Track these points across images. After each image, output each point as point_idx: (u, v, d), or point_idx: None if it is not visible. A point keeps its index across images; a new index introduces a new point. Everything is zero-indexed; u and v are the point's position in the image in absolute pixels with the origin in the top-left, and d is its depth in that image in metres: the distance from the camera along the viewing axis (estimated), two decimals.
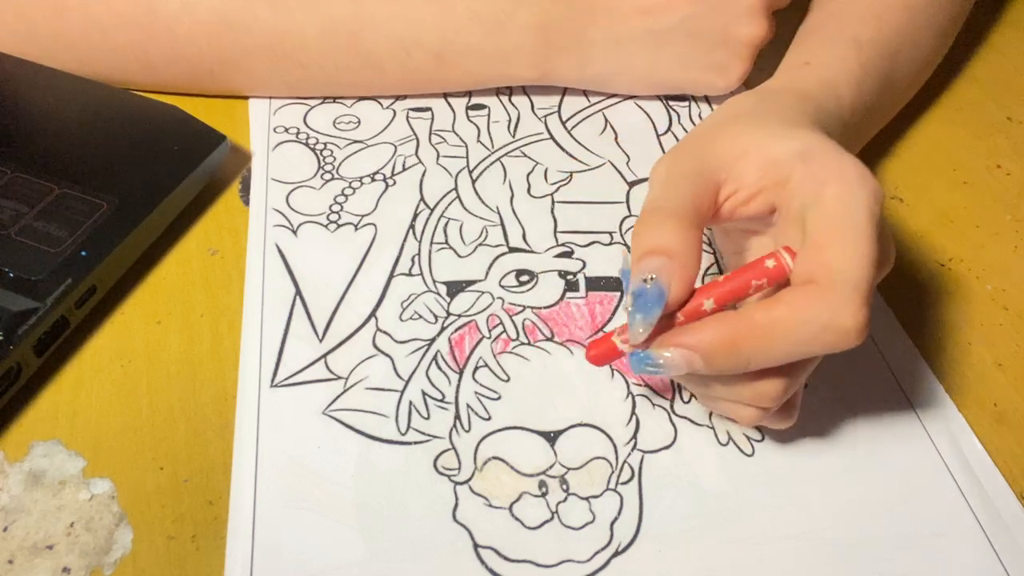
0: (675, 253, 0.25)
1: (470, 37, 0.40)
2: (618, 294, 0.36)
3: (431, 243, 0.37)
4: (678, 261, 0.25)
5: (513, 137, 0.43)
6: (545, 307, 0.35)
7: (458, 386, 0.32)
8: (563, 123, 0.44)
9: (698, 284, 0.26)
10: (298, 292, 0.35)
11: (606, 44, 0.41)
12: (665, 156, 0.28)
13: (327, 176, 0.40)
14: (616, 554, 0.28)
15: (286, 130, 0.42)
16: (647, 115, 0.45)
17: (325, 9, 0.40)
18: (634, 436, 0.31)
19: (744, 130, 0.28)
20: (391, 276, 0.36)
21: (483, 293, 0.35)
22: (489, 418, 0.31)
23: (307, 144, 0.42)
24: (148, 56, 0.41)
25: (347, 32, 0.40)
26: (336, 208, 0.39)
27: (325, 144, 0.42)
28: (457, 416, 0.31)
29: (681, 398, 0.32)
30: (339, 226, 0.38)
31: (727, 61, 0.41)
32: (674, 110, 0.45)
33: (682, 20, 0.41)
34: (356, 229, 0.38)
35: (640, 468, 0.30)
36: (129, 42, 0.40)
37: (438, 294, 0.35)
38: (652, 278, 0.25)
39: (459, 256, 0.37)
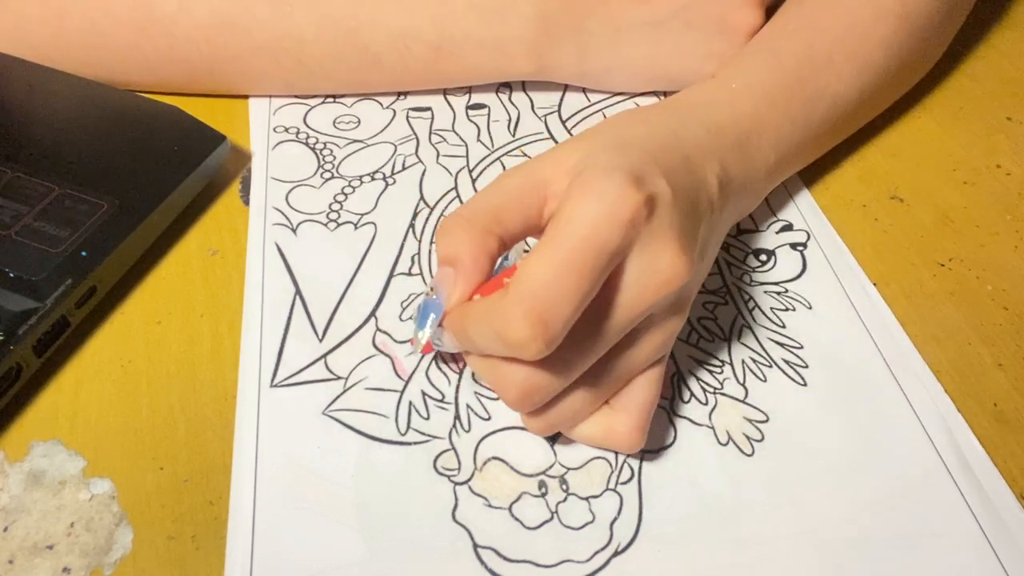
0: (462, 262, 0.26)
1: (469, 28, 0.41)
2: None
3: (431, 242, 0.37)
4: (462, 272, 0.26)
5: (513, 136, 0.43)
6: None
7: (458, 386, 0.32)
8: (563, 122, 0.44)
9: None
10: (298, 292, 0.35)
11: (605, 35, 0.41)
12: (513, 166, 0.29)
13: (327, 175, 0.40)
14: (616, 554, 0.28)
15: (286, 130, 0.42)
16: None
17: (323, 7, 0.40)
18: None
19: (571, 148, 0.28)
20: (391, 276, 0.36)
21: None
22: (489, 418, 0.31)
23: (307, 144, 0.42)
24: (147, 57, 0.41)
25: (345, 28, 0.40)
26: (336, 207, 0.39)
27: (325, 144, 0.42)
28: (457, 416, 0.31)
29: (681, 398, 0.32)
30: (339, 225, 0.38)
31: (725, 50, 0.41)
32: None
33: (680, 10, 0.41)
34: (356, 228, 0.38)
35: (640, 468, 0.30)
36: (128, 43, 0.40)
37: None
38: (431, 291, 0.27)
39: None
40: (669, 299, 0.27)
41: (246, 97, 0.44)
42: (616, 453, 0.30)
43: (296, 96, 0.44)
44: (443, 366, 0.33)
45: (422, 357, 0.33)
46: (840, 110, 0.38)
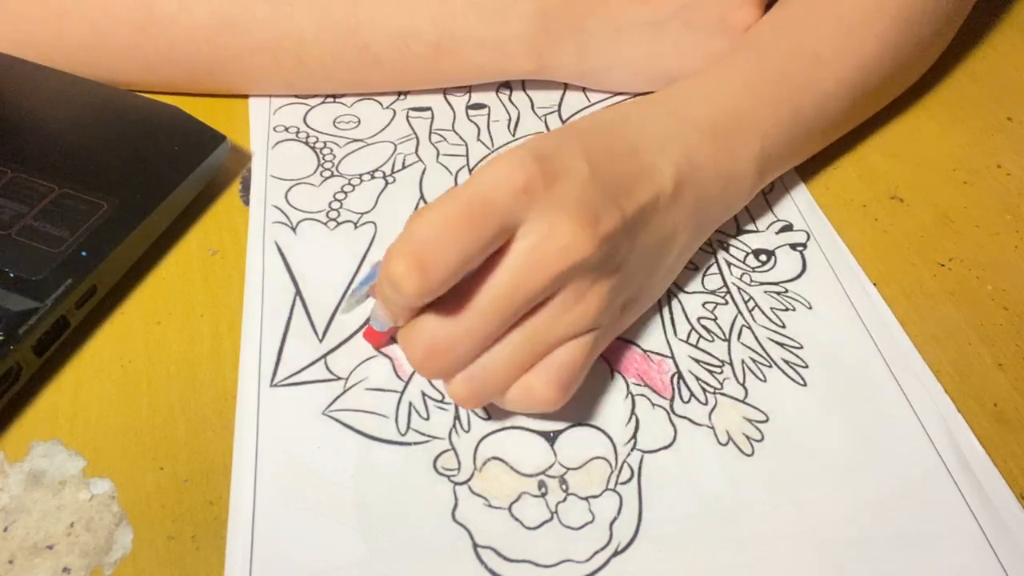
0: None
1: (468, 26, 0.41)
2: None
3: None
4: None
5: (513, 136, 0.43)
6: None
7: None
8: (563, 122, 0.44)
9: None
10: (298, 292, 0.35)
11: (605, 34, 0.41)
12: None
13: (326, 173, 0.40)
14: (615, 554, 0.28)
15: (286, 129, 0.42)
16: None
17: (323, 6, 0.40)
18: (634, 436, 0.31)
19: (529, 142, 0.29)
20: None
21: None
22: (488, 418, 0.31)
23: (307, 143, 0.42)
24: (147, 57, 0.41)
25: (345, 27, 0.40)
26: (335, 205, 0.39)
27: (325, 143, 0.42)
28: (456, 416, 0.31)
29: (681, 398, 0.32)
30: (339, 224, 0.38)
31: (725, 50, 0.41)
32: None
33: (679, 10, 0.41)
34: (356, 227, 0.38)
35: (639, 468, 0.30)
36: (127, 43, 0.40)
37: None
38: (374, 264, 0.28)
39: None
40: (580, 270, 0.27)
41: (246, 97, 0.44)
42: (616, 453, 0.30)
43: (296, 96, 0.44)
44: None
45: None
46: (833, 105, 0.38)
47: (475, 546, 0.28)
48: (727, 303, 0.36)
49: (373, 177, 0.40)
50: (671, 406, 0.32)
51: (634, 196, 0.30)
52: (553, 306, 0.28)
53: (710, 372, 0.33)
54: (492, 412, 0.32)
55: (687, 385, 0.33)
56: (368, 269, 0.30)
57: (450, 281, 0.26)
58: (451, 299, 0.27)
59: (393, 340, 0.33)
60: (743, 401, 0.32)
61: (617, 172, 0.29)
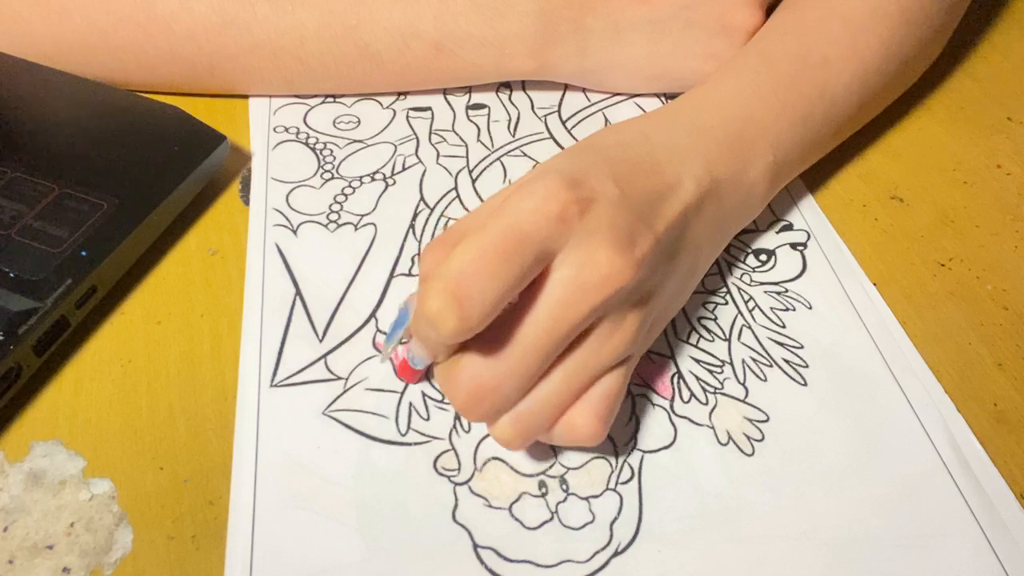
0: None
1: (469, 25, 0.41)
2: None
3: None
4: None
5: (513, 137, 0.43)
6: None
7: None
8: (563, 123, 0.44)
9: None
10: (298, 292, 0.35)
11: (605, 33, 0.42)
12: None
13: (327, 175, 0.40)
14: (616, 554, 0.28)
15: (286, 130, 0.42)
16: None
17: (324, 4, 0.40)
18: (634, 436, 0.31)
19: (546, 164, 0.29)
20: (391, 276, 0.36)
21: None
22: None
23: (307, 144, 0.42)
24: (147, 56, 0.41)
25: (346, 25, 0.40)
26: (336, 208, 0.39)
27: (325, 144, 0.42)
28: (457, 417, 0.31)
29: (681, 398, 0.32)
30: (339, 226, 0.38)
31: (725, 50, 0.42)
32: None
33: (680, 10, 0.41)
34: (356, 229, 0.38)
35: (640, 468, 0.30)
36: (128, 42, 0.40)
37: None
38: (404, 304, 0.29)
39: None
40: (618, 298, 0.27)
41: (246, 97, 0.44)
42: (616, 453, 0.31)
43: (296, 96, 0.44)
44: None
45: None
46: (840, 109, 0.38)
47: (475, 546, 0.28)
48: (727, 303, 0.36)
49: (373, 179, 0.40)
50: (671, 406, 0.32)
51: (663, 214, 0.29)
52: (594, 338, 0.27)
53: (710, 372, 0.33)
54: None
55: (687, 385, 0.33)
56: (399, 310, 0.29)
57: (490, 317, 0.25)
58: (492, 336, 0.26)
59: (428, 374, 0.33)
60: (743, 401, 0.32)
61: (645, 190, 0.29)
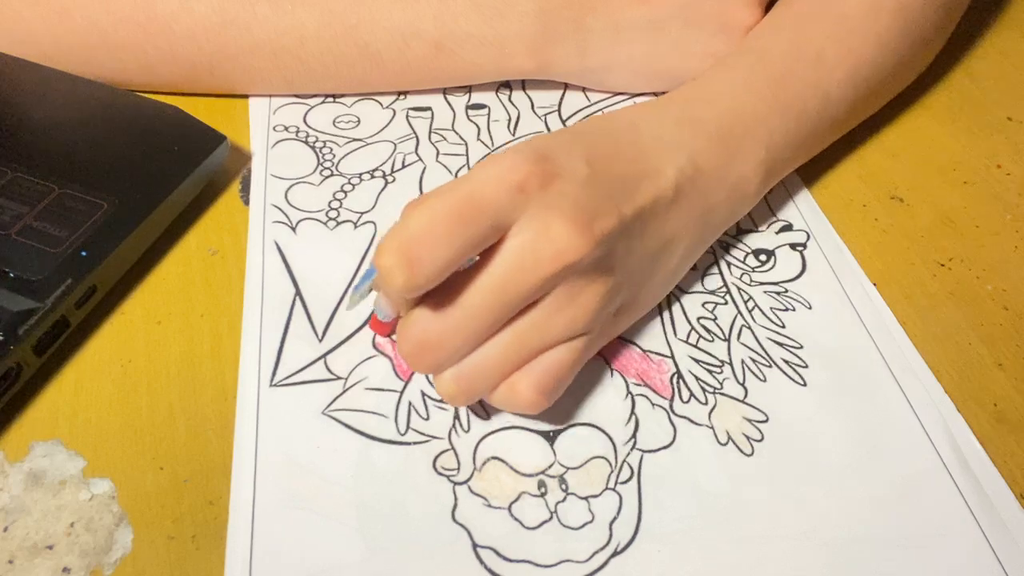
0: None
1: (469, 25, 0.41)
2: None
3: None
4: None
5: (513, 136, 0.43)
6: None
7: None
8: (563, 122, 0.44)
9: None
10: (298, 292, 0.35)
11: (605, 32, 0.42)
12: None
13: (326, 172, 0.40)
14: (615, 554, 0.28)
15: (286, 129, 0.42)
16: None
17: (323, 3, 0.40)
18: (633, 435, 0.31)
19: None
20: None
21: None
22: (488, 418, 0.31)
23: (307, 142, 0.42)
24: (147, 55, 0.41)
25: (346, 25, 0.40)
26: (335, 205, 0.39)
27: (325, 142, 0.42)
28: (456, 416, 0.31)
29: (681, 398, 0.32)
30: (338, 223, 0.38)
31: (724, 49, 0.42)
32: None
33: (679, 8, 0.41)
34: (355, 227, 0.38)
35: (639, 468, 0.30)
36: (128, 42, 0.40)
37: None
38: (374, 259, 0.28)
39: None
40: (572, 271, 0.27)
41: (246, 97, 0.44)
42: (615, 453, 0.30)
43: (296, 95, 0.44)
44: None
45: None
46: (835, 106, 0.38)
47: (475, 546, 0.28)
48: (727, 303, 0.36)
49: (373, 177, 0.40)
50: (671, 406, 0.32)
51: (633, 199, 0.30)
52: (544, 307, 0.28)
53: (710, 372, 0.33)
54: (492, 412, 0.32)
55: (687, 385, 0.33)
56: (370, 265, 0.30)
57: (439, 277, 0.26)
58: (444, 294, 0.27)
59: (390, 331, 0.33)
60: (743, 401, 0.32)
61: (618, 175, 0.29)
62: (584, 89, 0.45)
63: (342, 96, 0.44)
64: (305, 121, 0.43)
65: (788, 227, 0.39)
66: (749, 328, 0.35)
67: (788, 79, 0.36)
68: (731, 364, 0.33)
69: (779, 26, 0.39)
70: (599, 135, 0.31)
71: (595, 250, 0.27)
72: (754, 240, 0.38)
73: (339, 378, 0.32)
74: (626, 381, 0.33)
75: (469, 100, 0.45)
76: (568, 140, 0.29)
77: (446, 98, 0.45)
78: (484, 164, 0.27)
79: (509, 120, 0.44)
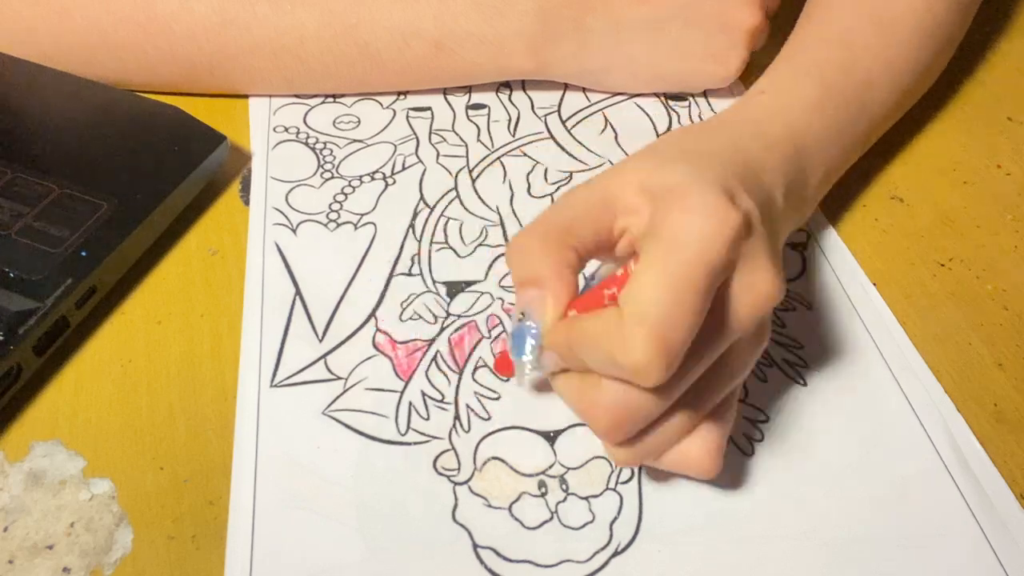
0: (547, 280, 0.25)
1: (469, 24, 0.41)
2: None
3: (431, 243, 0.37)
4: (549, 290, 0.25)
5: (513, 136, 0.43)
6: None
7: (458, 386, 0.32)
8: (563, 122, 0.44)
9: None
10: (298, 292, 0.35)
11: (604, 32, 0.42)
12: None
13: (327, 175, 0.40)
14: (616, 554, 0.28)
15: (286, 129, 0.42)
16: (647, 115, 0.45)
17: (323, 3, 0.40)
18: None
19: (639, 164, 0.27)
20: (391, 276, 0.36)
21: (483, 294, 0.35)
22: (489, 418, 0.31)
23: (307, 143, 0.42)
24: (147, 55, 0.41)
25: (345, 25, 0.40)
26: (336, 207, 0.39)
27: (325, 143, 0.42)
28: (457, 416, 0.31)
29: None
30: (339, 225, 0.38)
31: (725, 50, 0.42)
32: (674, 110, 0.45)
33: (680, 9, 0.41)
34: (356, 228, 0.38)
35: (640, 468, 0.30)
36: (128, 42, 0.40)
37: (438, 294, 0.35)
38: (523, 316, 0.26)
39: (459, 256, 0.37)
40: (763, 319, 0.26)
41: (246, 97, 0.44)
42: None
43: (296, 96, 0.44)
44: (443, 366, 0.33)
45: (422, 358, 0.33)
46: (876, 121, 0.38)
47: (475, 546, 0.28)
48: None
49: (373, 178, 0.40)
50: None
51: (774, 229, 0.28)
52: (730, 358, 0.26)
53: None
54: (492, 412, 0.32)
55: None
56: (515, 326, 0.27)
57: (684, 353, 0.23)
58: None
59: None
60: (743, 401, 0.32)
61: (762, 205, 0.28)
62: (584, 89, 0.46)
63: (342, 96, 0.44)
64: (305, 122, 0.43)
65: (795, 228, 0.39)
66: None
67: (846, 102, 0.36)
68: None
69: (827, 39, 0.38)
70: (732, 164, 0.28)
71: (784, 289, 0.26)
72: None
73: (339, 378, 0.32)
74: None
75: (469, 100, 0.45)
76: (724, 171, 0.27)
77: (446, 98, 0.45)
78: (688, 215, 0.24)
79: (509, 120, 0.44)
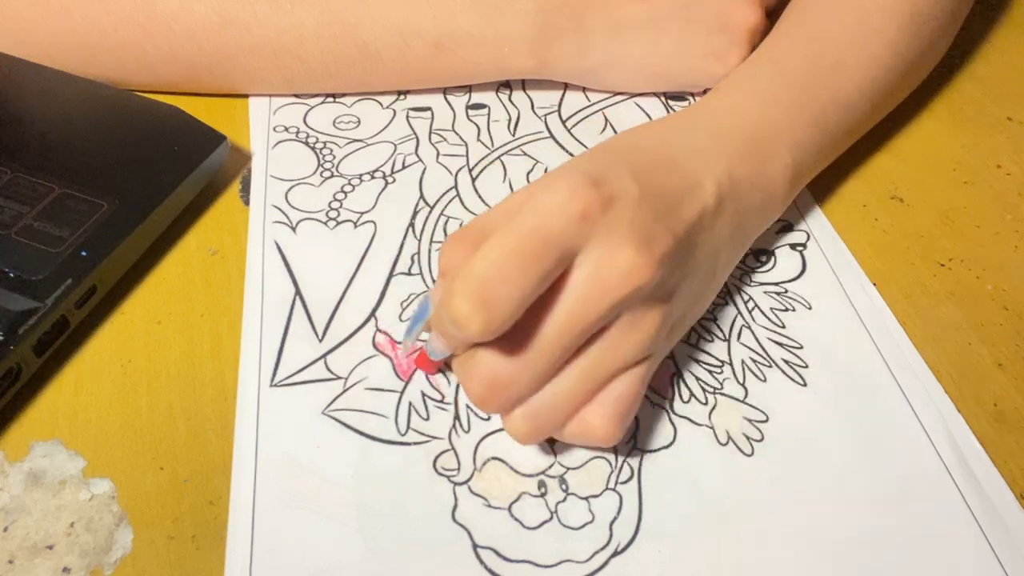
0: (448, 272, 0.27)
1: (468, 24, 0.41)
2: None
3: (431, 242, 0.37)
4: (447, 278, 0.27)
5: (513, 136, 0.43)
6: None
7: (458, 386, 0.32)
8: (563, 122, 0.44)
9: None
10: (298, 292, 0.35)
11: (604, 30, 0.42)
12: None
13: (326, 173, 0.40)
14: (615, 554, 0.28)
15: (286, 129, 0.42)
16: (647, 114, 0.45)
17: (323, 3, 0.40)
18: (633, 436, 0.31)
19: (571, 164, 0.29)
20: (391, 275, 0.36)
21: None
22: (488, 418, 0.31)
23: (307, 143, 0.42)
24: (147, 55, 0.41)
25: (345, 24, 0.40)
26: (335, 205, 0.39)
27: (325, 143, 0.42)
28: (456, 416, 0.31)
29: (681, 398, 0.32)
30: (338, 223, 0.38)
31: (725, 48, 0.42)
32: (673, 109, 0.45)
33: (679, 8, 0.41)
34: (355, 227, 0.38)
35: (639, 468, 0.30)
36: (128, 42, 0.40)
37: None
38: (424, 297, 0.28)
39: None
40: (637, 296, 0.27)
41: (246, 97, 0.44)
42: (616, 453, 0.30)
43: (296, 96, 0.44)
44: (443, 367, 0.33)
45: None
46: (853, 112, 0.38)
47: (475, 546, 0.28)
48: (727, 303, 0.36)
49: (373, 177, 0.40)
50: (671, 406, 0.32)
51: (682, 215, 0.29)
52: (610, 335, 0.27)
53: (710, 372, 0.33)
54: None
55: (687, 385, 0.33)
56: (419, 305, 0.29)
57: (514, 318, 0.25)
58: (510, 331, 0.26)
59: (446, 366, 0.33)
60: (743, 401, 0.32)
61: (663, 190, 0.29)
62: (584, 89, 0.46)
63: (342, 96, 0.44)
64: (305, 122, 0.43)
65: (788, 227, 0.39)
66: (749, 328, 0.35)
67: (809, 88, 0.36)
68: (731, 364, 0.33)
69: (795, 34, 0.39)
70: (636, 152, 0.30)
71: (658, 272, 0.26)
72: (754, 241, 0.38)
73: (339, 378, 0.32)
74: None
75: (469, 100, 0.45)
76: (612, 160, 0.29)
77: (446, 98, 0.45)
78: (541, 194, 0.26)
79: (509, 120, 0.44)
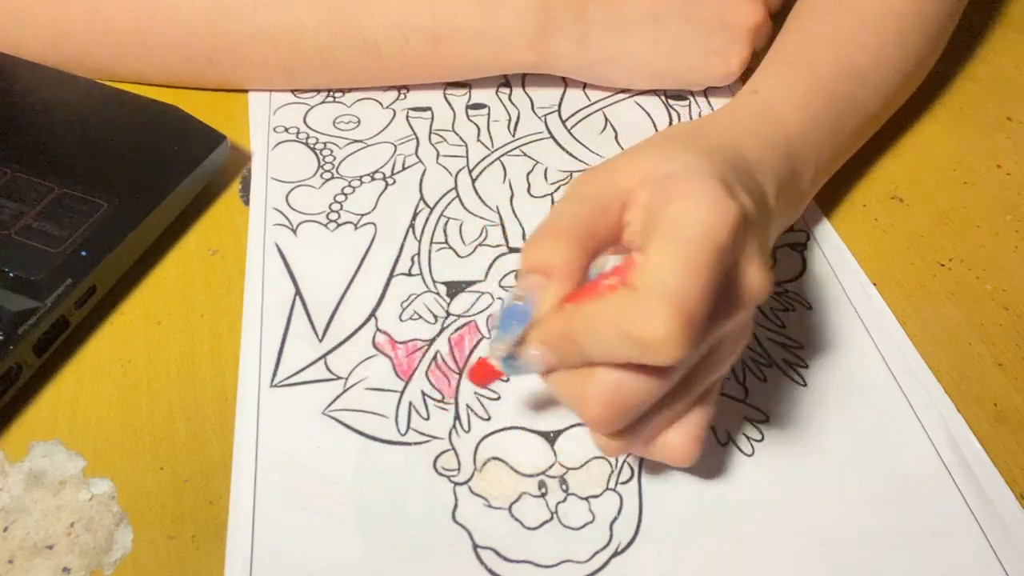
0: (554, 271, 0.25)
1: (468, 18, 0.41)
2: None
3: (431, 242, 0.37)
4: (555, 280, 0.25)
5: (513, 136, 0.43)
6: None
7: (458, 386, 0.32)
8: (563, 122, 0.44)
9: None
10: (298, 292, 0.35)
11: (605, 25, 0.41)
12: (582, 173, 0.28)
13: (327, 175, 0.40)
14: (616, 554, 0.28)
15: (286, 129, 0.42)
16: (647, 114, 0.45)
17: None
18: None
19: (647, 155, 0.27)
20: (391, 276, 0.36)
21: (483, 294, 0.35)
22: (489, 418, 0.31)
23: (307, 143, 0.42)
24: (147, 43, 0.41)
25: (345, 17, 0.40)
26: (336, 207, 0.39)
27: (325, 144, 0.42)
28: (457, 417, 0.31)
29: None
30: (339, 225, 0.38)
31: (726, 47, 0.42)
32: (674, 109, 0.45)
33: (681, 5, 0.41)
34: (356, 228, 0.38)
35: (640, 468, 0.30)
36: (128, 30, 0.40)
37: (438, 294, 0.35)
38: (522, 297, 0.25)
39: (459, 256, 0.37)
40: (750, 313, 0.26)
41: (245, 92, 0.44)
42: None
43: (295, 94, 0.44)
44: (443, 366, 0.33)
45: (422, 358, 0.33)
46: (866, 117, 0.38)
47: (475, 546, 0.28)
48: None
49: (373, 179, 0.40)
50: None
51: (766, 226, 0.29)
52: (716, 350, 0.26)
53: None
54: (492, 412, 0.32)
55: None
56: (504, 307, 0.26)
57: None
58: None
59: (500, 378, 0.31)
60: (743, 401, 0.32)
61: (756, 202, 0.28)
62: (584, 88, 0.46)
63: (342, 96, 0.44)
64: (305, 122, 0.43)
65: (788, 227, 0.39)
66: None
67: (836, 99, 0.36)
68: None
69: (816, 37, 0.38)
70: (731, 160, 0.28)
71: (772, 284, 0.25)
72: None
73: (339, 378, 0.32)
74: None
75: (469, 100, 0.45)
76: (724, 166, 0.27)
77: (446, 98, 0.45)
78: (692, 203, 0.24)
79: (509, 120, 0.44)
